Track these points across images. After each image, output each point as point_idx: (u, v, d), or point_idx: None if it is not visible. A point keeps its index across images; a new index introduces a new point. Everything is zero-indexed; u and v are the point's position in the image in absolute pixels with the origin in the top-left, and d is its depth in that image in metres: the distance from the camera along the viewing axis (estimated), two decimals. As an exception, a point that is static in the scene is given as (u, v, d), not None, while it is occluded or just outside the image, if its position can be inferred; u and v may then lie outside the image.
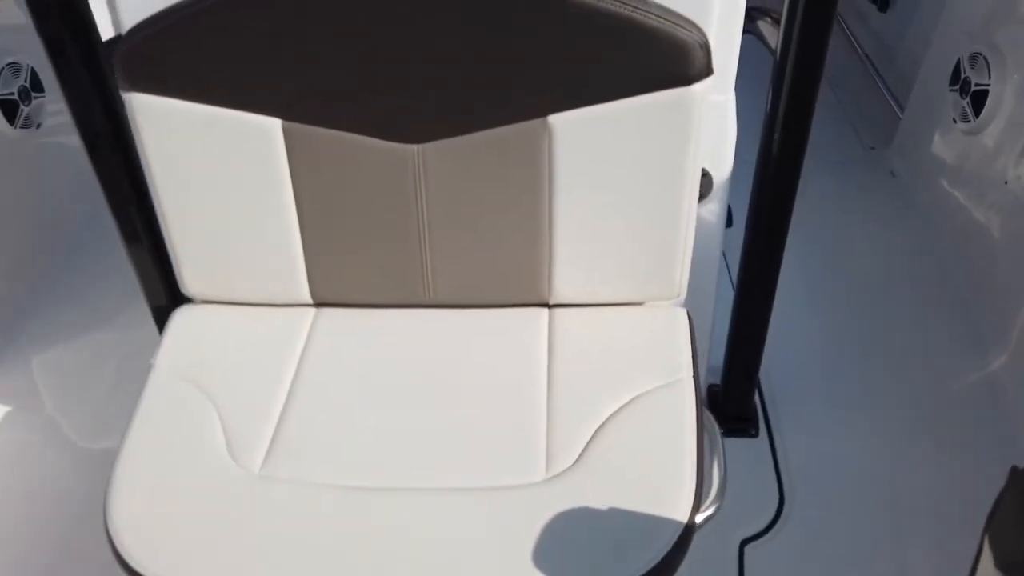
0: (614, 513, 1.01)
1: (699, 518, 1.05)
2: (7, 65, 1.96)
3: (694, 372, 1.19)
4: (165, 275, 1.35)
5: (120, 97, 1.13)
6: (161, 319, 1.35)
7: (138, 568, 0.99)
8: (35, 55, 1.21)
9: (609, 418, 1.13)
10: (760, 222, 1.41)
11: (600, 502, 1.03)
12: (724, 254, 1.70)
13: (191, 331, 1.28)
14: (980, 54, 2.02)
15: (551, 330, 1.27)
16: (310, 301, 1.30)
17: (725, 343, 1.62)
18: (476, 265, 1.25)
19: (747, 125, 1.41)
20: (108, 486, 1.07)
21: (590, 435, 1.11)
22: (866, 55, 2.86)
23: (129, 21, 1.10)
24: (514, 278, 1.26)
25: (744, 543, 1.53)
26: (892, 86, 2.67)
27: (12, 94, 1.97)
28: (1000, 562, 0.89)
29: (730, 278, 1.83)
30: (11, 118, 1.97)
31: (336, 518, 1.03)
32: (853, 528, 1.55)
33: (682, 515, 1.01)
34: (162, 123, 1.13)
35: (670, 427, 1.11)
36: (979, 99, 2.01)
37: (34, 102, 2.03)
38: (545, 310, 1.30)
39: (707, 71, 1.08)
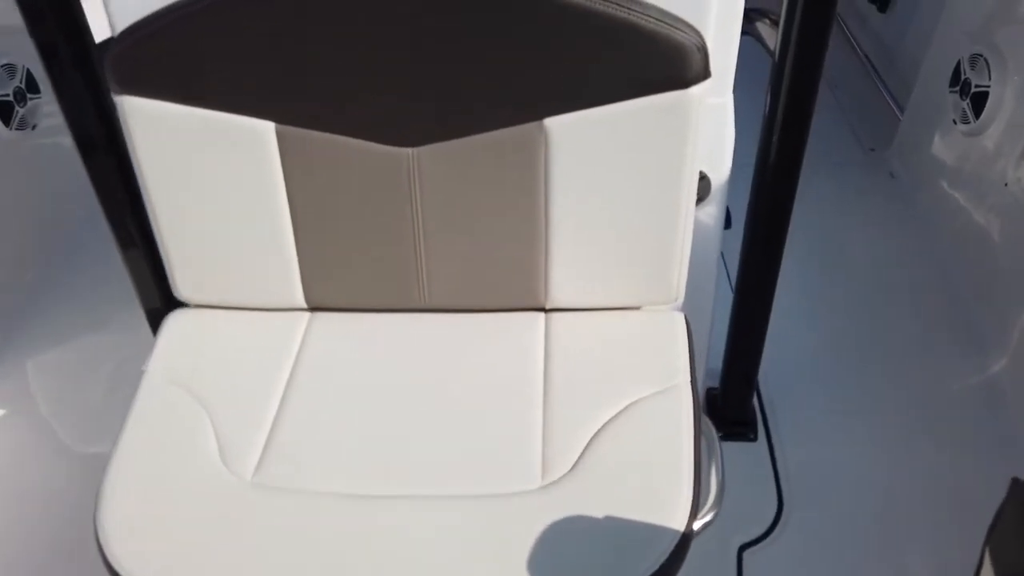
0: (610, 521, 1.00)
1: (697, 525, 1.04)
2: (2, 66, 1.95)
3: (691, 377, 1.18)
4: (160, 279, 1.34)
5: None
6: (156, 322, 1.34)
7: None
8: (31, 56, 1.20)
9: (605, 424, 1.12)
10: (759, 225, 1.40)
11: (596, 510, 1.02)
12: (723, 256, 1.69)
13: (184, 336, 1.27)
14: (980, 55, 2.02)
15: (547, 335, 1.26)
16: (304, 305, 1.29)
17: (724, 346, 1.61)
18: (472, 269, 1.24)
19: (746, 126, 1.40)
20: (98, 494, 1.06)
21: (586, 442, 1.10)
22: (866, 56, 2.85)
23: (122, 23, 1.09)
24: (510, 282, 1.25)
25: (742, 548, 1.52)
26: (892, 87, 2.66)
27: (8, 95, 1.96)
28: (1001, 574, 0.89)
29: (729, 280, 1.82)
30: (7, 119, 1.96)
31: (329, 527, 1.02)
32: (852, 533, 1.54)
33: (679, 523, 1.00)
34: (154, 126, 1.12)
35: (667, 433, 1.10)
36: (979, 101, 2.00)
37: (30, 103, 2.02)
38: (541, 314, 1.29)
39: (704, 74, 1.07)
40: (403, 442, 1.12)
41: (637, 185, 1.15)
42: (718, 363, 1.66)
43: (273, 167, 1.15)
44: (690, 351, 1.23)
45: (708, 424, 1.25)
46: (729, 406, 1.69)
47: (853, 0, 3.03)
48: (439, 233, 1.21)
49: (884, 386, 1.80)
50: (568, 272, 1.23)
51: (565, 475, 1.07)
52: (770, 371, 1.78)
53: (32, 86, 2.03)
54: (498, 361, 1.22)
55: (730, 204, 1.46)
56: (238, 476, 1.08)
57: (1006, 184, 1.88)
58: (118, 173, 1.28)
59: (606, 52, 1.05)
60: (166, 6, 1.06)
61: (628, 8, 1.03)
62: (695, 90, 1.07)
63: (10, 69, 1.97)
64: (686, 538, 1.00)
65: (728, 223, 1.52)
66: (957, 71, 2.12)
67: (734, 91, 1.35)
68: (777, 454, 1.67)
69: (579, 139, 1.12)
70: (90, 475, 1.13)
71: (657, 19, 1.03)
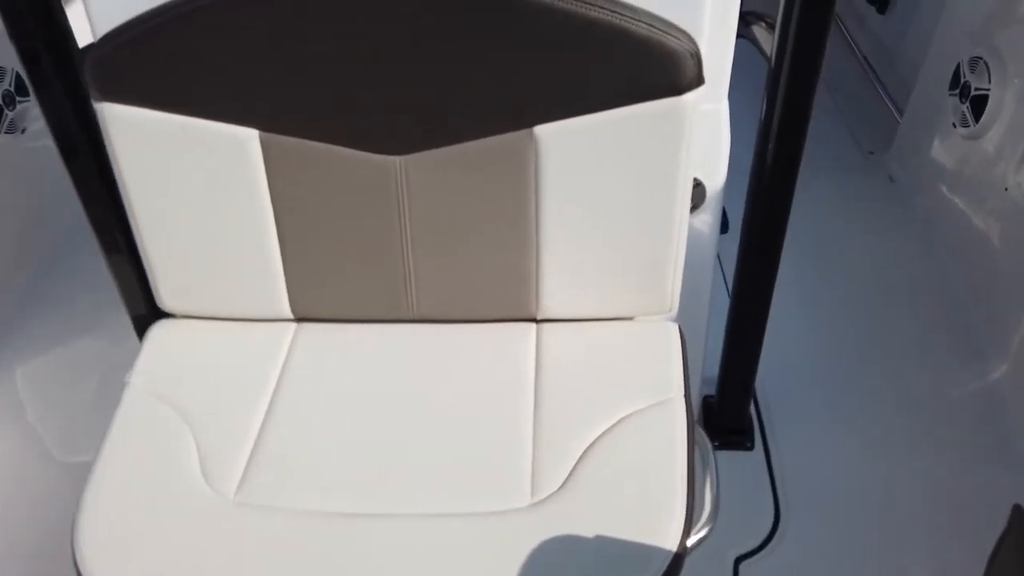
0: (601, 541, 0.98)
1: (691, 542, 1.02)
2: None
3: (686, 390, 1.16)
4: (146, 286, 1.32)
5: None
6: (143, 330, 1.32)
7: None
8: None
9: (597, 439, 1.10)
10: (755, 230, 1.38)
11: (587, 529, 0.99)
12: (720, 261, 1.67)
13: (168, 347, 1.25)
14: (980, 58, 2.00)
15: (538, 346, 1.23)
16: (290, 316, 1.27)
17: (720, 353, 1.59)
18: (461, 279, 1.21)
19: (742, 130, 1.38)
20: (76, 510, 1.04)
21: (577, 457, 1.08)
22: (865, 58, 2.83)
23: (103, 28, 1.07)
24: (500, 292, 1.22)
25: (739, 560, 1.50)
26: (891, 90, 2.64)
27: None
28: (1001, 601, 0.86)
29: (726, 285, 1.80)
30: None
31: (312, 546, 1.00)
32: (850, 543, 1.52)
33: (672, 542, 0.98)
34: (135, 134, 1.10)
35: (660, 448, 1.08)
36: (979, 104, 1.98)
37: (19, 107, 2.00)
38: (532, 325, 1.27)
39: (698, 80, 1.04)
40: (390, 459, 1.09)
41: (630, 193, 1.13)
42: (714, 370, 1.63)
43: (257, 175, 1.13)
44: (684, 362, 1.20)
45: (703, 436, 1.23)
46: (726, 415, 1.67)
47: (852, 1, 3.01)
48: (428, 242, 1.18)
49: (882, 392, 1.78)
50: (560, 282, 1.21)
51: (555, 492, 1.04)
52: (767, 377, 1.76)
53: (21, 89, 2.01)
54: (488, 374, 1.20)
55: (727, 207, 1.44)
56: (220, 494, 1.06)
57: (1006, 188, 1.86)
58: (102, 180, 1.25)
59: (596, 59, 1.03)
60: (148, 11, 1.03)
61: (619, 14, 1.00)
62: (688, 97, 1.05)
63: None
64: (679, 557, 0.98)
65: (725, 227, 1.50)
66: (957, 74, 2.10)
67: (730, 95, 1.33)
68: (774, 462, 1.65)
69: (569, 147, 1.09)
70: (75, 483, 1.10)
71: (649, 24, 1.01)
